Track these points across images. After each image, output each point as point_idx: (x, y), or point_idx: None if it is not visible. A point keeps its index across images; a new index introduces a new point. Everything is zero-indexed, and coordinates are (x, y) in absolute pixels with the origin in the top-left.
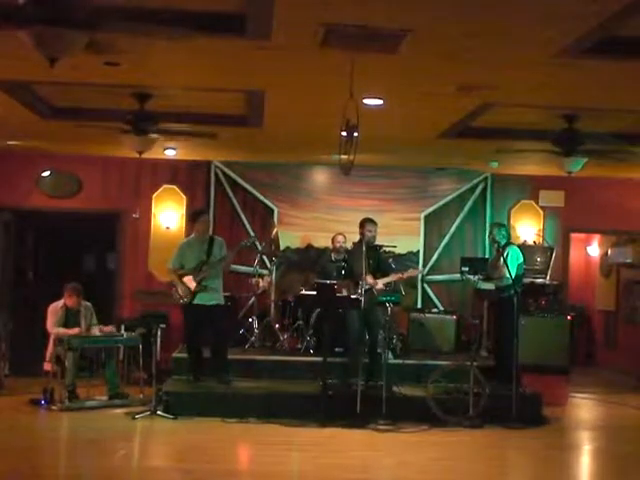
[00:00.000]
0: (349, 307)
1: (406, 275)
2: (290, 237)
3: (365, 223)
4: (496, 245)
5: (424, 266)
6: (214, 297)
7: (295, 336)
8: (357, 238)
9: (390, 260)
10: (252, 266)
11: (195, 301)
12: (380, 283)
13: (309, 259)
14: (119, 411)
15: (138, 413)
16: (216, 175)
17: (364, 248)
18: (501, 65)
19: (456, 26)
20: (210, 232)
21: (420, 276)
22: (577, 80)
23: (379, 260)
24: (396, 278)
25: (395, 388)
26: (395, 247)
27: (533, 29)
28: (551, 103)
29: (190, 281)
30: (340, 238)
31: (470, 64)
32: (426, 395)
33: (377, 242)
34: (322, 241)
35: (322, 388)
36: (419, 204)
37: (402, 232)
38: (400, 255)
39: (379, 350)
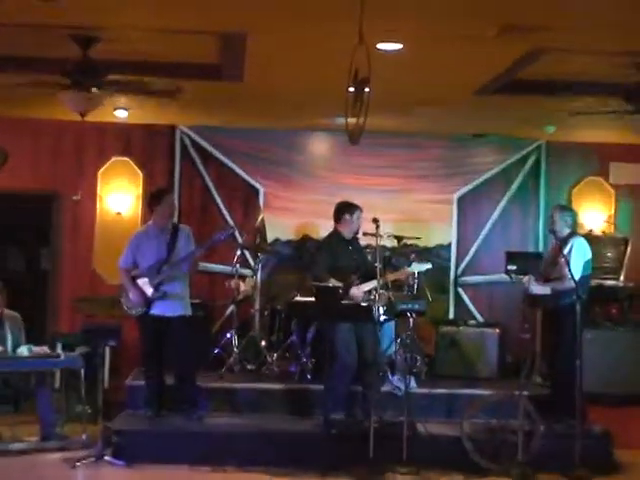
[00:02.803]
0: (360, 319)
1: (392, 277)
2: (281, 226)
3: (353, 207)
4: (555, 236)
5: (457, 263)
6: (178, 306)
7: (287, 357)
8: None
9: (413, 256)
10: (230, 265)
11: (153, 311)
12: (361, 289)
13: (305, 255)
14: (55, 456)
15: (80, 459)
16: (182, 144)
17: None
18: None
19: None
20: (174, 219)
21: (453, 277)
22: None
23: (363, 257)
24: (380, 282)
25: (419, 425)
26: (419, 239)
27: None
28: (624, 48)
29: (146, 285)
30: None
31: None
32: (461, 434)
33: (391, 230)
34: (322, 231)
35: (324, 426)
36: (451, 182)
37: (428, 219)
38: (426, 249)
39: (376, 372)
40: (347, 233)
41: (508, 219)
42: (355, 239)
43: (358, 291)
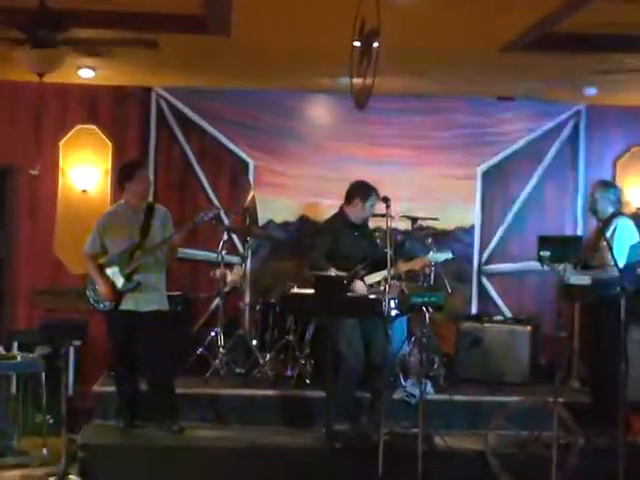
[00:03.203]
0: (368, 314)
1: (406, 267)
2: (274, 206)
3: (369, 194)
4: (597, 216)
5: (482, 249)
6: (154, 299)
7: (282, 358)
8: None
9: (429, 240)
10: (215, 251)
11: (124, 305)
12: (370, 280)
13: (304, 240)
14: (11, 474)
15: (40, 478)
16: (159, 109)
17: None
18: None
19: None
20: (149, 198)
21: (476, 265)
22: None
23: (373, 245)
24: (391, 272)
25: (437, 438)
26: (437, 220)
27: None
28: None
29: (116, 275)
30: None
31: None
32: (485, 449)
33: (404, 210)
34: (324, 212)
35: (326, 438)
36: (474, 153)
37: (448, 197)
38: (445, 232)
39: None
40: (355, 218)
41: (541, 197)
42: (364, 224)
43: (362, 285)
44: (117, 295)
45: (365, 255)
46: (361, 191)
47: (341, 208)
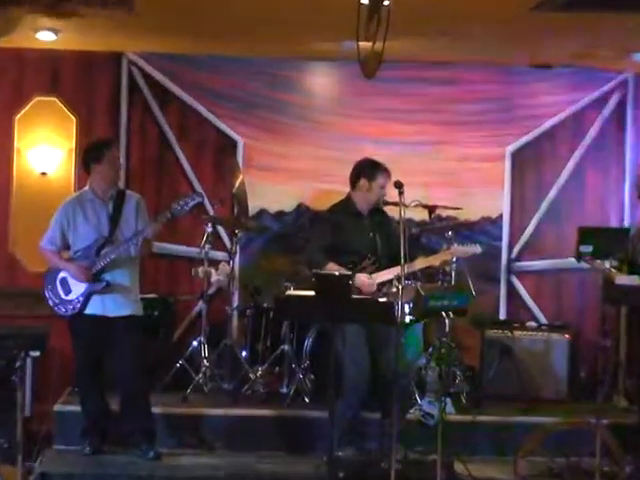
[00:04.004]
0: (377, 320)
1: (422, 264)
2: (268, 192)
3: (376, 171)
4: None
5: (511, 243)
6: (125, 303)
7: (277, 372)
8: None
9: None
10: (198, 246)
11: (90, 310)
12: (379, 279)
13: (302, 233)
14: None
15: None
16: (131, 79)
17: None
18: None
19: None
20: (120, 184)
21: (505, 262)
22: None
23: (390, 235)
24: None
25: (458, 465)
26: (459, 209)
27: None
28: None
29: (82, 273)
30: None
31: None
32: (515, 477)
33: (420, 197)
34: (326, 199)
35: (328, 466)
36: (503, 131)
37: (471, 182)
38: (468, 224)
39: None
40: (362, 205)
41: (581, 182)
42: (376, 212)
43: (368, 279)
44: (82, 298)
45: (375, 249)
46: (367, 169)
47: (348, 195)
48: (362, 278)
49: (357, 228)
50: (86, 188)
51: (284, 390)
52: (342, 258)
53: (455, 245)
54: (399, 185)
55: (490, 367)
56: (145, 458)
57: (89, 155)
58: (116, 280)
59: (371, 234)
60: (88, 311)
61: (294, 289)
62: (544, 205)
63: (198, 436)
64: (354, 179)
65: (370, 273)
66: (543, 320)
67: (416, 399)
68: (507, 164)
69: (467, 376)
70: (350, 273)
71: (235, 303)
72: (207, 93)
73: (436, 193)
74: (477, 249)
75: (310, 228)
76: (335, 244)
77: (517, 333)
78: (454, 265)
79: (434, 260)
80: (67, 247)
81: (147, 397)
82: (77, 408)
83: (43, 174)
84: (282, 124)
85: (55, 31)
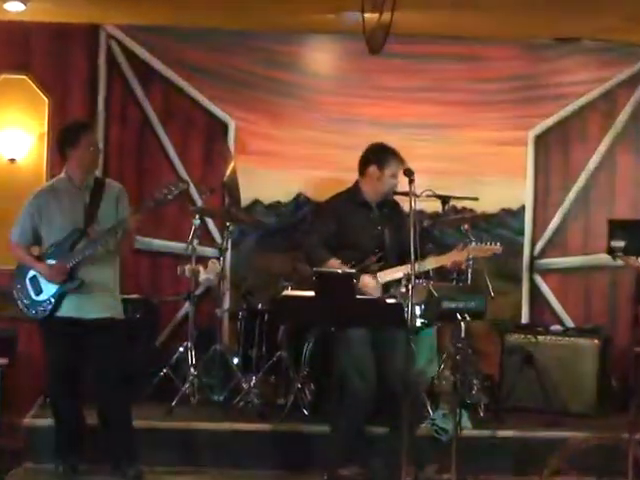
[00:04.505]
0: (385, 324)
1: (435, 263)
2: (262, 180)
3: (388, 157)
4: None
5: (534, 238)
6: (103, 304)
7: (273, 381)
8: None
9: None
10: (185, 241)
11: (64, 312)
12: (384, 278)
13: (301, 226)
14: None
15: None
16: (110, 54)
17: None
18: None
19: None
20: (98, 171)
21: (527, 259)
22: None
23: (401, 229)
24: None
25: None
26: (475, 200)
27: None
28: None
29: (54, 270)
30: None
31: None
32: None
33: (433, 186)
34: (326, 189)
35: None
36: (525, 113)
37: (490, 169)
38: (486, 216)
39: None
40: (371, 194)
41: (612, 169)
42: (387, 203)
43: (371, 281)
44: (55, 298)
45: (382, 244)
46: (378, 155)
47: (356, 183)
48: (365, 279)
49: (363, 220)
50: (61, 176)
51: (281, 402)
52: (345, 254)
53: (472, 243)
54: (409, 173)
55: (511, 376)
56: (125, 478)
57: (64, 139)
58: (93, 278)
59: (379, 228)
60: (61, 313)
61: (292, 289)
62: (571, 195)
63: (185, 452)
64: (363, 166)
65: (375, 271)
66: (570, 324)
67: (428, 412)
68: (530, 149)
69: (485, 386)
70: (354, 271)
71: (226, 305)
72: (195, 70)
73: (450, 182)
74: (497, 249)
75: (312, 221)
76: (338, 238)
77: (541, 338)
78: (470, 263)
79: (446, 260)
80: (38, 241)
81: (128, 410)
82: (49, 422)
83: (11, 161)
84: (278, 105)
85: (24, 1)
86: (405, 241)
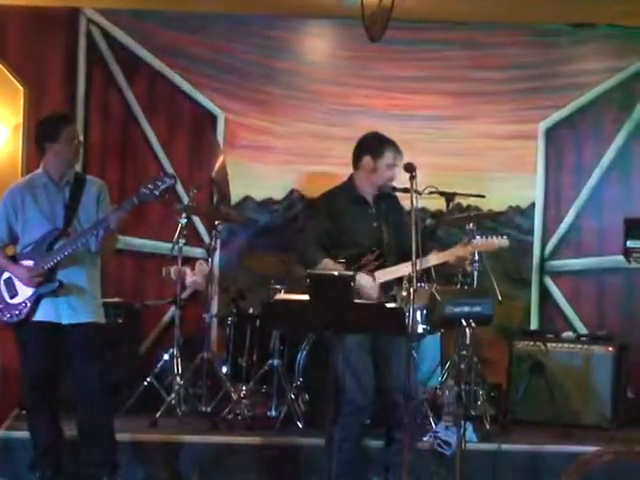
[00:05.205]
0: (384, 330)
1: (436, 259)
2: (254, 176)
3: (382, 147)
4: None
5: (545, 238)
6: (82, 307)
7: (264, 392)
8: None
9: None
10: (171, 241)
11: (40, 315)
12: (382, 278)
13: (294, 224)
14: None
15: None
16: (90, 40)
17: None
18: None
19: None
20: (78, 167)
21: (537, 261)
22: None
23: (400, 226)
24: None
25: None
26: (482, 197)
27: None
28: None
29: (30, 272)
30: None
31: None
32: None
33: (436, 182)
34: (323, 184)
35: None
36: (535, 104)
37: (497, 165)
38: (494, 214)
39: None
40: (366, 188)
41: (628, 164)
42: (384, 198)
43: (369, 281)
44: (31, 301)
45: (380, 242)
46: (371, 144)
47: (350, 177)
48: (362, 278)
49: (359, 216)
50: (38, 171)
51: (273, 413)
52: (341, 252)
53: (477, 237)
54: (411, 168)
55: (519, 386)
56: None
57: (43, 132)
58: (72, 280)
59: (375, 224)
60: (38, 317)
61: (285, 292)
62: (584, 192)
63: (170, 468)
64: (356, 157)
65: (372, 270)
66: (582, 330)
67: (431, 424)
68: (540, 143)
69: (491, 397)
70: (352, 273)
71: (214, 309)
72: (182, 58)
73: (455, 178)
74: (504, 242)
75: (305, 218)
76: (333, 236)
77: (551, 346)
78: (476, 264)
79: (450, 256)
80: (14, 241)
81: (109, 421)
82: (25, 434)
83: None
84: (271, 95)
85: None
86: (405, 239)
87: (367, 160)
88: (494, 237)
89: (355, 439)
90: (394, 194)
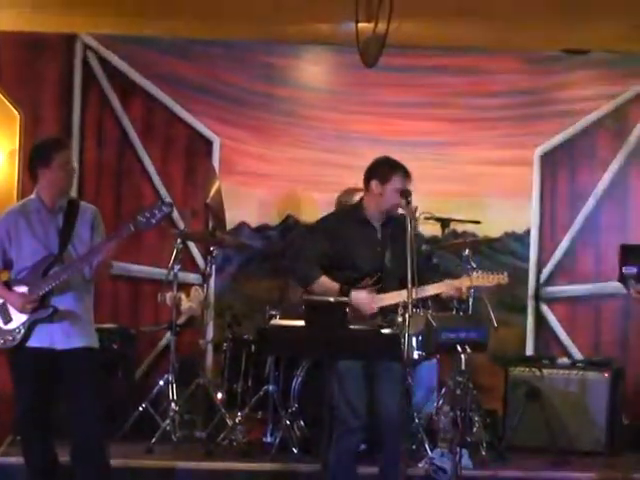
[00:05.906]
0: (380, 356)
1: (432, 291)
2: (249, 202)
3: (391, 172)
4: None
5: (540, 264)
6: (77, 333)
7: (260, 417)
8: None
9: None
10: (166, 267)
11: (35, 341)
12: (380, 302)
13: (290, 251)
14: None
15: None
16: (86, 66)
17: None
18: None
19: None
20: (72, 192)
21: (533, 287)
22: None
23: (403, 253)
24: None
25: None
26: (478, 223)
27: None
28: None
29: (24, 299)
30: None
31: None
32: None
33: (431, 208)
34: (318, 210)
35: None
36: (530, 130)
37: (493, 191)
38: (489, 240)
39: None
40: (372, 211)
41: (624, 191)
42: (392, 222)
43: (365, 297)
44: (25, 327)
45: (381, 266)
46: (380, 169)
47: (360, 200)
48: (361, 295)
49: (362, 239)
50: (32, 197)
51: (268, 439)
52: (339, 275)
53: (475, 272)
54: (407, 194)
55: (515, 412)
56: None
57: (36, 158)
58: (66, 306)
59: (379, 248)
60: (32, 343)
61: (280, 318)
62: (580, 218)
63: None
64: (366, 181)
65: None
66: (578, 356)
67: (426, 450)
68: (536, 169)
69: (487, 423)
70: (346, 299)
71: (210, 335)
72: (178, 84)
73: (450, 204)
74: (503, 278)
75: (299, 241)
76: (333, 257)
77: (547, 372)
78: (472, 291)
79: (448, 287)
80: (9, 266)
81: (104, 447)
82: (19, 460)
83: None
84: (266, 121)
85: None
86: (406, 265)
87: (375, 184)
88: (494, 274)
89: (348, 463)
90: (403, 220)
